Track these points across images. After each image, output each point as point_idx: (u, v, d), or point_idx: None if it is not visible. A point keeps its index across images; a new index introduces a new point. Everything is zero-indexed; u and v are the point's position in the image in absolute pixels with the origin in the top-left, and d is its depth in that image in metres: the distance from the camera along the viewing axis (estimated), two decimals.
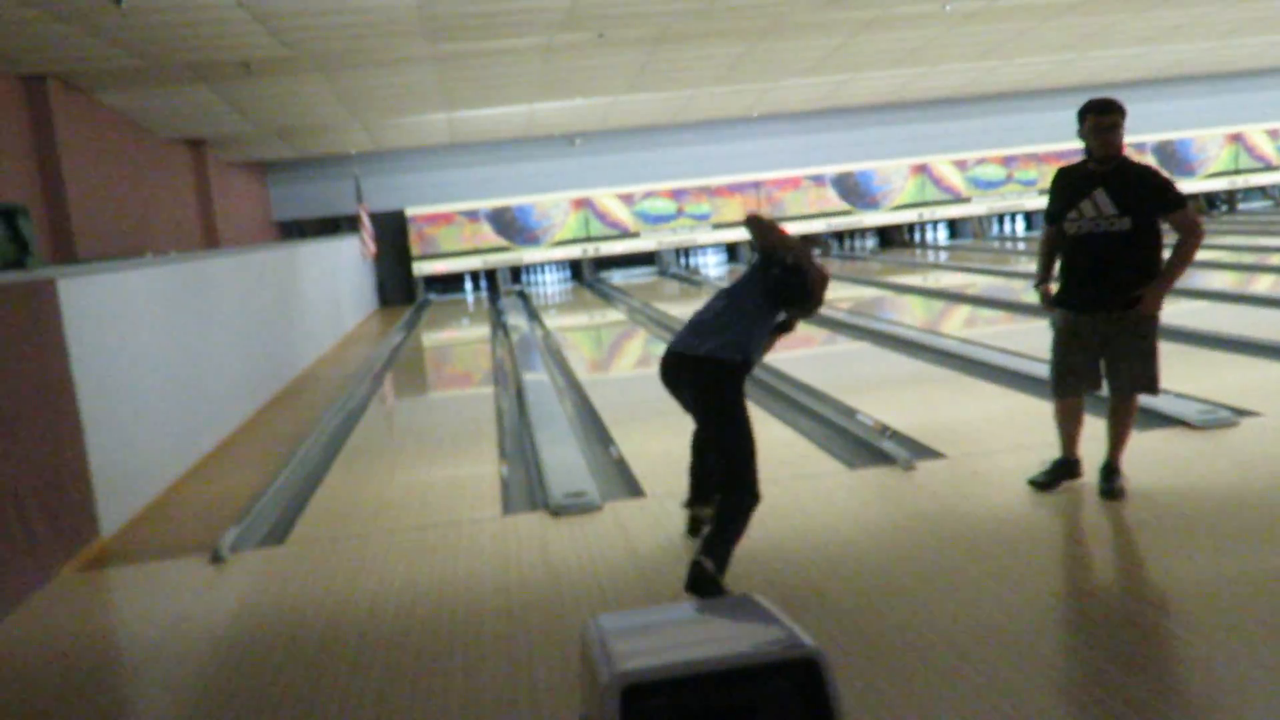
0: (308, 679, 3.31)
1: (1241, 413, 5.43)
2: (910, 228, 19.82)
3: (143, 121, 11.19)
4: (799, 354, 8.59)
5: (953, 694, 2.81)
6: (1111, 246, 4.25)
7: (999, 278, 13.23)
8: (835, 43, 11.49)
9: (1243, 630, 3.06)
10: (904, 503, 4.53)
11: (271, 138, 14.16)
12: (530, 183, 18.30)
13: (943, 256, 17.58)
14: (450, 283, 18.43)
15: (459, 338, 13.34)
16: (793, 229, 19.02)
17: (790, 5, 9.35)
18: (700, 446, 4.19)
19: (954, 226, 19.91)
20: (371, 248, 16.66)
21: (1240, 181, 19.91)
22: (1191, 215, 4.27)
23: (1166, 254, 4.31)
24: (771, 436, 6.03)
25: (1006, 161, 19.37)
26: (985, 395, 6.62)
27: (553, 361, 9.78)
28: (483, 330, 13.31)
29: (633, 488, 5.17)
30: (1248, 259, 12.38)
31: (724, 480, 3.70)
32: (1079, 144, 4.40)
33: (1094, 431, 4.65)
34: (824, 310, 11.08)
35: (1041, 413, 5.95)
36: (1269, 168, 19.82)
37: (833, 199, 18.97)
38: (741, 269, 4.81)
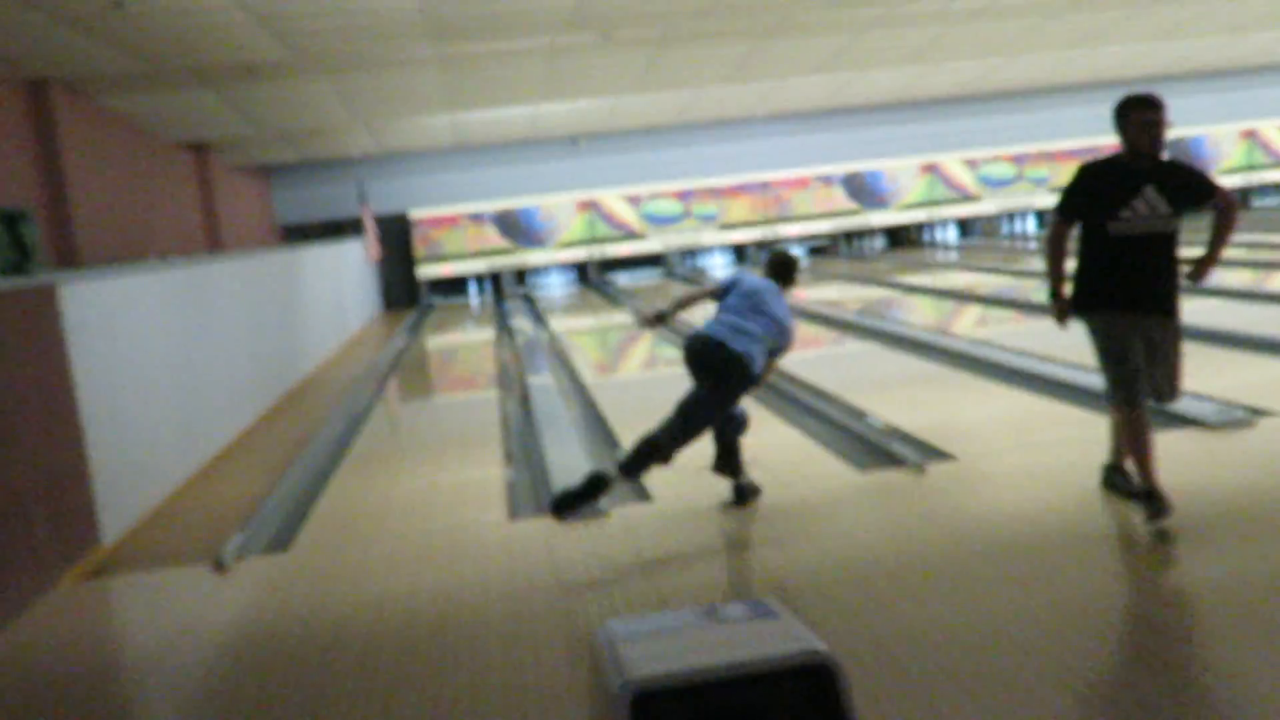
0: (312, 687, 3.30)
1: (1258, 412, 5.40)
2: (920, 227, 19.81)
3: (146, 125, 11.22)
4: (807, 355, 8.57)
5: (965, 697, 2.80)
6: (1163, 246, 4.09)
7: (1009, 277, 13.20)
8: (842, 41, 11.47)
9: (1260, 629, 3.04)
10: (914, 505, 4.51)
11: (275, 141, 14.19)
12: (535, 184, 18.32)
13: (953, 256, 17.56)
14: (455, 286, 18.45)
15: (463, 341, 13.35)
16: (799, 230, 19.11)
17: (796, 4, 9.33)
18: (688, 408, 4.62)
19: (964, 225, 19.88)
20: (375, 251, 16.69)
21: (1255, 178, 19.86)
22: (1228, 190, 4.20)
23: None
24: (779, 438, 6.02)
25: (1017, 159, 19.32)
26: (996, 396, 6.60)
27: (558, 364, 9.78)
28: (487, 333, 13.32)
29: (640, 492, 5.16)
30: (1263, 255, 12.34)
31: (670, 429, 4.51)
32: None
33: (1094, 434, 4.60)
34: (832, 310, 11.20)
35: (1052, 414, 5.93)
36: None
37: (841, 199, 18.95)
38: (748, 273, 4.88)
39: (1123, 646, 3.03)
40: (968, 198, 19.32)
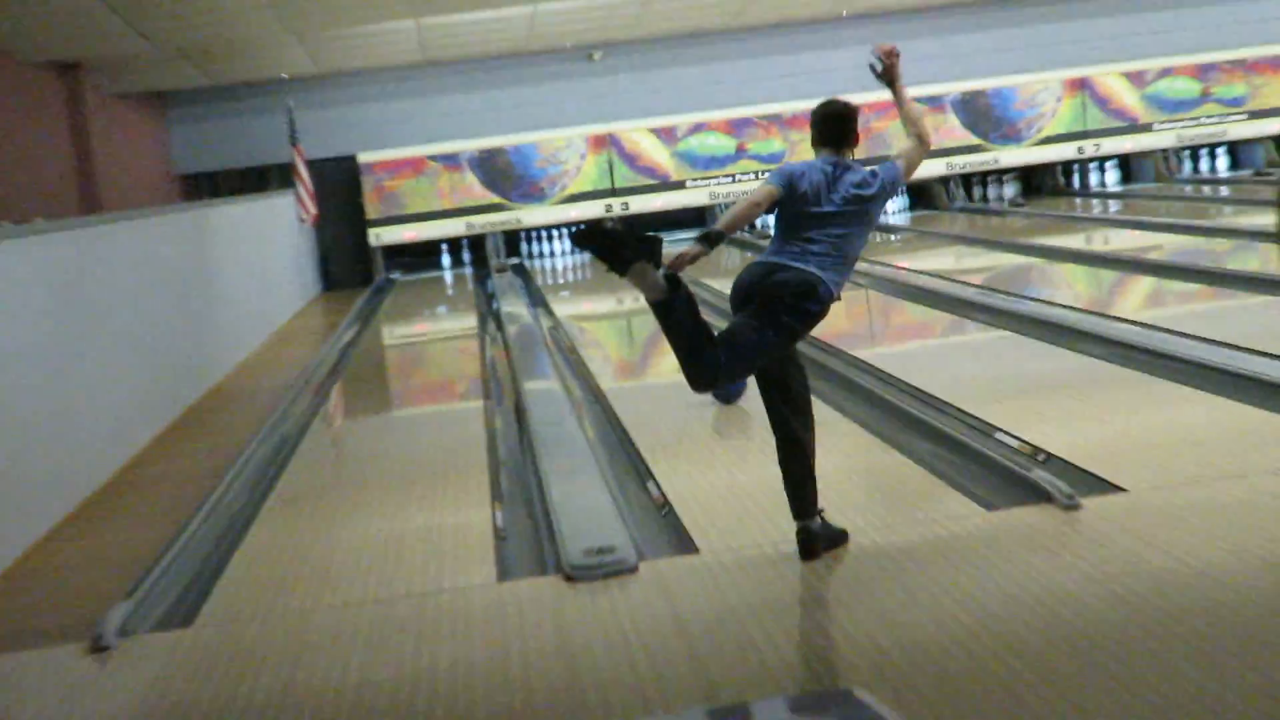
0: None
1: None
2: (1066, 168, 19.69)
3: None
4: (909, 347, 8.53)
5: None
6: None
7: (1195, 237, 13.10)
8: None
9: None
10: (1066, 558, 4.49)
11: (174, 59, 14.26)
12: (533, 115, 18.36)
13: (1113, 208, 17.43)
14: (421, 256, 18.56)
15: (434, 332, 13.37)
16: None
17: None
18: (788, 435, 4.79)
19: (1128, 166, 19.78)
20: (312, 210, 16.75)
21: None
22: None
23: None
24: (874, 464, 6.02)
25: (1201, 72, 19.14)
26: (1180, 403, 6.57)
27: (565, 364, 9.82)
28: (467, 321, 13.37)
29: (680, 540, 5.17)
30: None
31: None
32: None
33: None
34: (948, 287, 11.12)
35: (1262, 429, 5.87)
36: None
37: (956, 129, 18.85)
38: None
39: None
40: (1133, 126, 19.19)
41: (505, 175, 18.23)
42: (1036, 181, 19.75)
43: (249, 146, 18.05)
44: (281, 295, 14.93)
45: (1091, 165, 19.67)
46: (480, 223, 18.21)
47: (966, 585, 4.34)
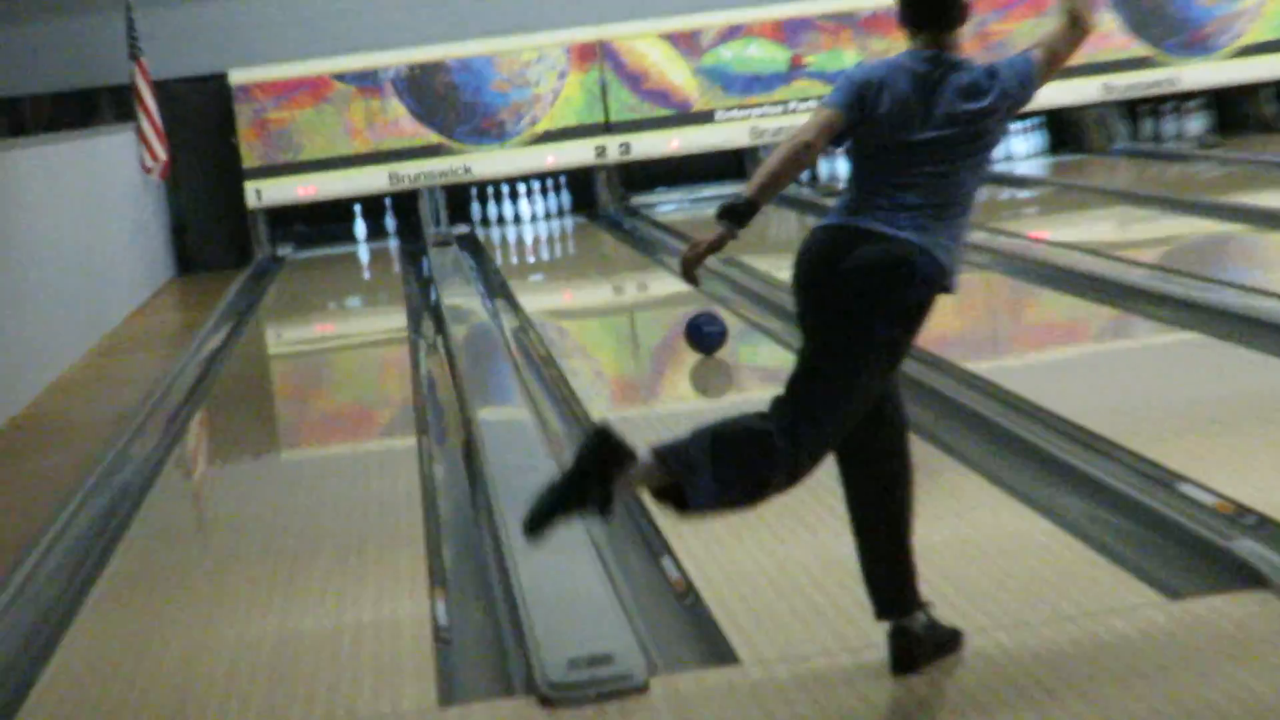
0: None
1: None
2: (1276, 92, 19.68)
3: None
4: (1048, 358, 8.51)
5: None
6: None
7: None
8: None
9: None
10: None
11: None
12: (489, 12, 18.42)
13: None
14: (324, 223, 18.62)
15: (343, 336, 13.37)
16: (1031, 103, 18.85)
17: None
18: (871, 492, 4.73)
19: None
20: (161, 155, 16.74)
21: None
22: None
23: None
24: (1002, 532, 6.02)
25: None
26: None
27: (538, 383, 9.86)
28: (392, 320, 13.38)
29: (710, 645, 5.16)
30: None
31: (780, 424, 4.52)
32: None
33: None
34: (1108, 268, 11.07)
35: None
36: None
37: (1114, 35, 18.84)
38: None
39: None
40: None
41: (448, 103, 18.27)
42: (1236, 112, 19.80)
43: (67, 61, 18.06)
44: (115, 282, 14.91)
45: None
46: (411, 173, 18.25)
47: (1139, 711, 4.33)
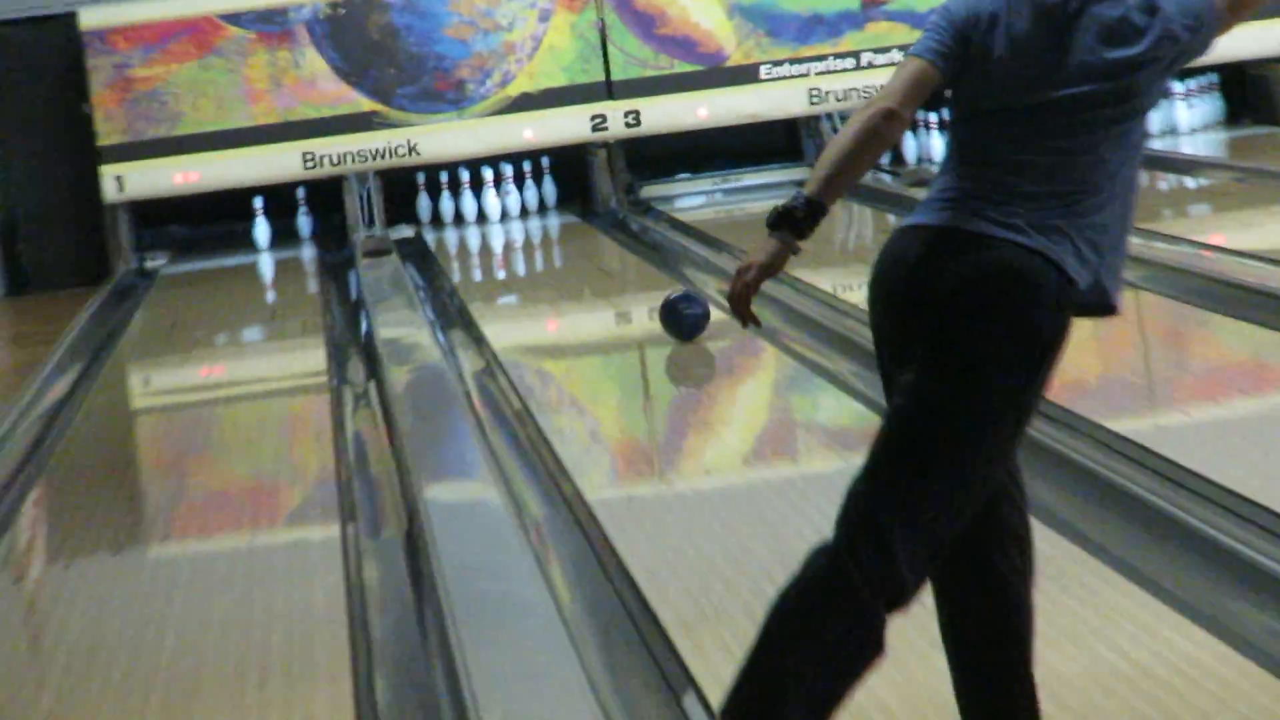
0: None
1: None
2: None
3: None
4: (1225, 414, 8.63)
5: None
6: None
7: None
8: None
9: None
10: None
11: None
12: None
13: None
14: (212, 222, 18.90)
15: (239, 381, 13.48)
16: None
17: None
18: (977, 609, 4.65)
19: None
20: None
21: None
22: None
23: None
24: (1169, 655, 6.03)
25: None
26: None
27: (509, 449, 9.95)
28: (306, 358, 13.45)
29: None
30: None
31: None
32: None
33: None
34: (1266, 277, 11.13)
35: None
36: None
37: None
38: None
39: None
40: None
41: (385, 55, 18.41)
42: None
43: None
44: None
45: None
46: (334, 154, 18.46)
47: None
